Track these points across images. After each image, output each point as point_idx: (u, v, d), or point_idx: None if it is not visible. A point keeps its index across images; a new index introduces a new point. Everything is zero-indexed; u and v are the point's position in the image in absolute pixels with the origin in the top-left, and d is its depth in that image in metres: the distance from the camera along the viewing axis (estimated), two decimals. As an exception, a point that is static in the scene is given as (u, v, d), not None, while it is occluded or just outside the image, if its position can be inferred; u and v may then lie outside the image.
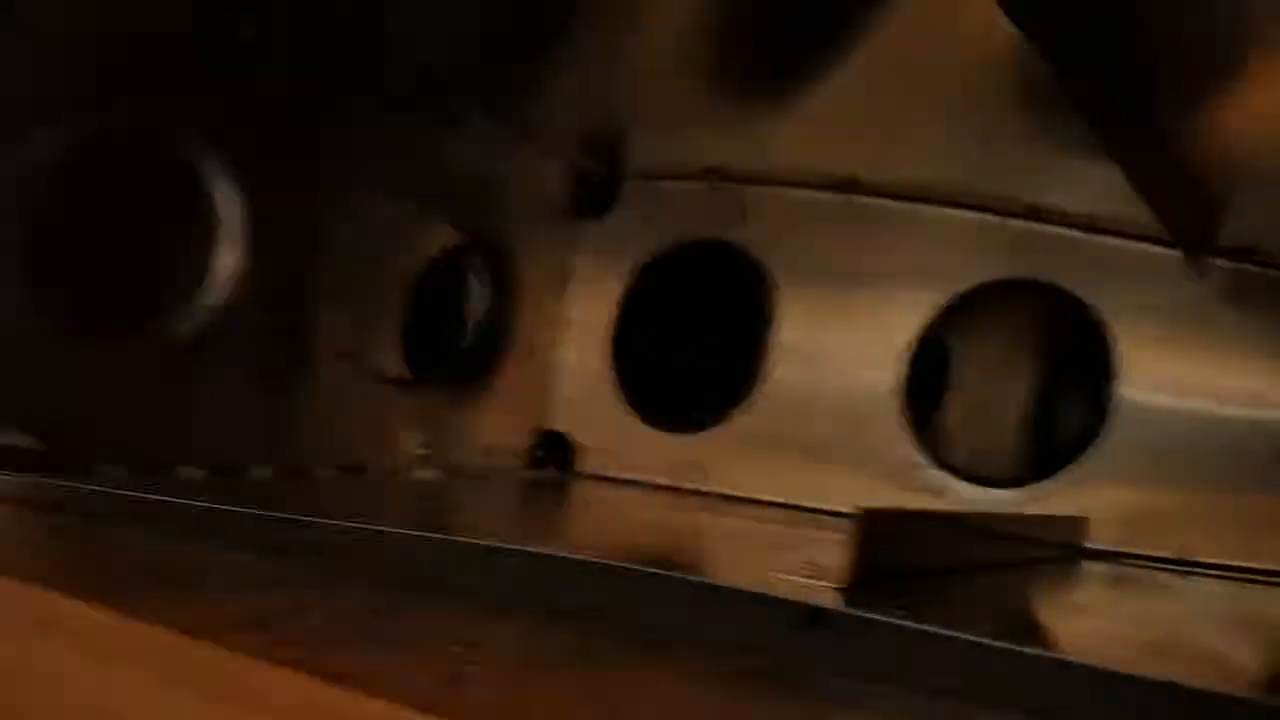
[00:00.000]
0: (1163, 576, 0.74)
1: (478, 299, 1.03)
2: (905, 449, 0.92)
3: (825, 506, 0.94)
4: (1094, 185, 0.82)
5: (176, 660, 0.34)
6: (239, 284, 0.80)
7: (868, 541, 0.42)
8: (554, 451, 1.11)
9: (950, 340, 1.24)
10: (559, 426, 1.12)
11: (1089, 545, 0.79)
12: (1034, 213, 0.88)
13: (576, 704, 0.34)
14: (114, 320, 0.75)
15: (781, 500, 0.97)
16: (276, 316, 0.86)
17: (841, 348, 0.97)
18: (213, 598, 0.43)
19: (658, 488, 1.05)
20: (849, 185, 0.98)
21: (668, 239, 1.09)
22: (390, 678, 0.32)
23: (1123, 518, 0.80)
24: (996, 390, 1.31)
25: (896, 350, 0.94)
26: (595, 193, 1.12)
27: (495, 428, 1.05)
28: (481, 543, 0.47)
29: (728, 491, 1.01)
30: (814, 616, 0.37)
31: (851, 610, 0.37)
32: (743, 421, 1.02)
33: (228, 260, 0.80)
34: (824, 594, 0.40)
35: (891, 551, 0.46)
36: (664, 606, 0.42)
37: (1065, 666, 0.34)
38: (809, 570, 0.44)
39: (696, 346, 1.24)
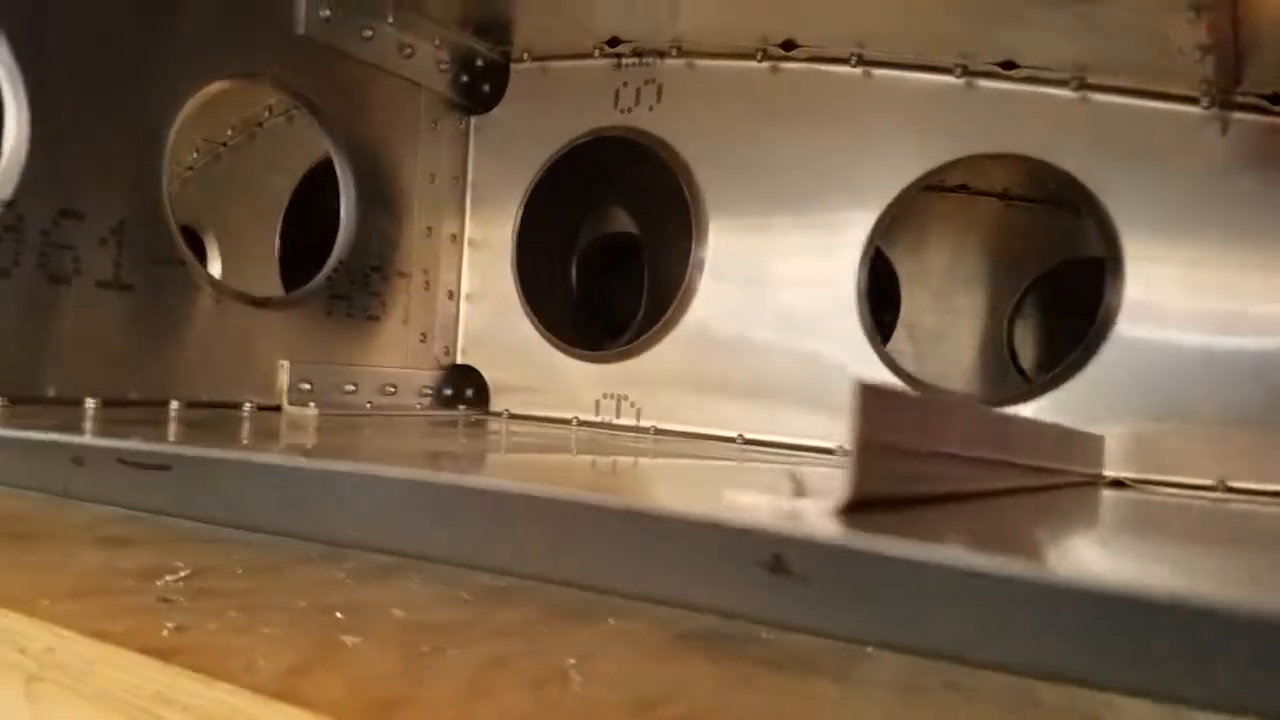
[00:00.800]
0: (1199, 504, 0.61)
1: (351, 210, 0.86)
2: (870, 370, 0.78)
3: (778, 439, 0.80)
4: (1081, 33, 0.67)
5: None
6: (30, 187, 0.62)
7: (871, 428, 0.26)
8: (463, 390, 0.95)
9: (896, 245, 1.10)
10: (466, 360, 0.96)
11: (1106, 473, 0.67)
12: (1011, 68, 0.72)
13: (479, 690, 0.22)
14: None
15: (726, 434, 0.82)
16: (110, 230, 0.68)
17: (783, 252, 0.82)
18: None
19: (581, 424, 0.90)
20: (781, 51, 0.81)
21: (570, 131, 0.92)
22: (249, 653, 0.24)
23: (1134, 440, 0.67)
24: (953, 304, 1.19)
25: (849, 253, 0.79)
26: (482, 81, 0.94)
27: (392, 360, 0.89)
28: (358, 469, 0.32)
29: (661, 425, 0.86)
30: (801, 556, 0.23)
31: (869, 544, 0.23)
32: (672, 345, 0.87)
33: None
34: (820, 521, 0.26)
35: (902, 460, 0.31)
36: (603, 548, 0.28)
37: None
38: (792, 488, 0.29)
39: (612, 259, 1.09)
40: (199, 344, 0.73)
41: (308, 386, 0.80)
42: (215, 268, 1.07)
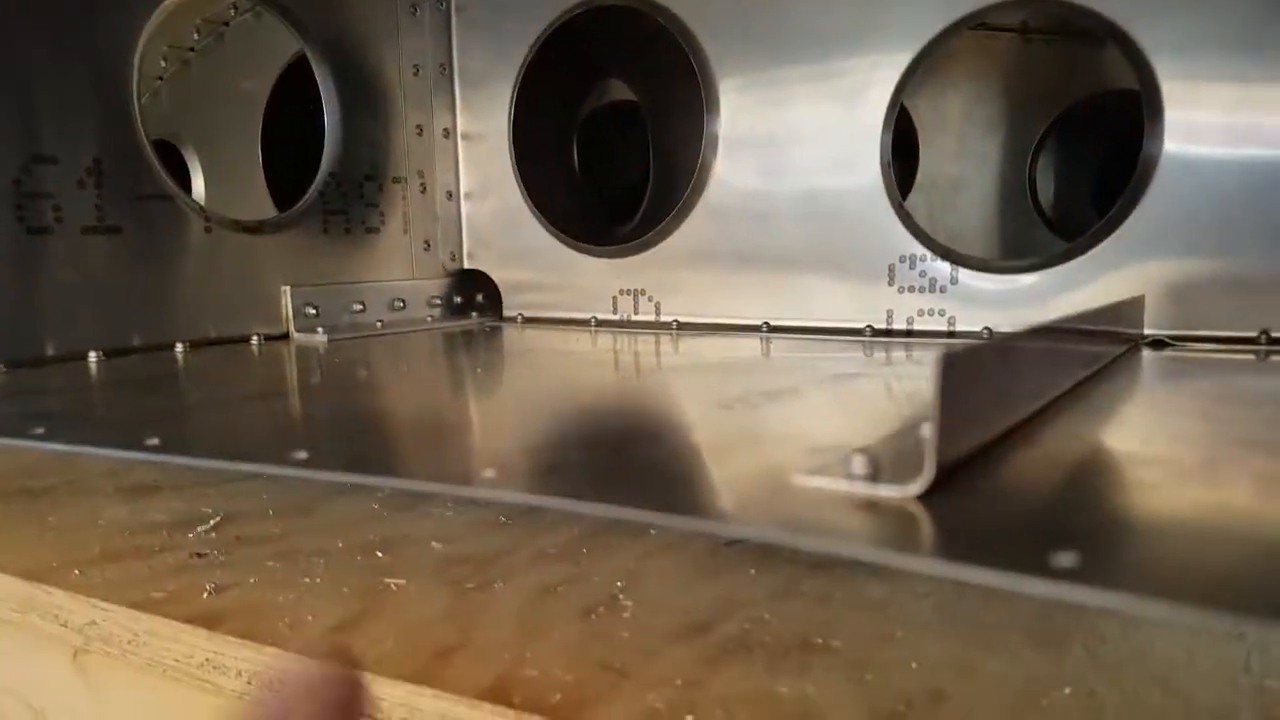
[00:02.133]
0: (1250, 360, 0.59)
1: (334, 116, 0.81)
2: (897, 239, 0.74)
3: (804, 323, 0.77)
4: None
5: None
6: None
7: (952, 403, 0.24)
8: (474, 296, 0.92)
9: (911, 90, 1.04)
10: (473, 264, 0.93)
11: (1148, 333, 0.64)
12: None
13: (529, 628, 0.21)
14: None
15: (751, 322, 0.79)
16: (86, 170, 0.63)
17: (800, 126, 0.77)
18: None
19: (600, 324, 0.87)
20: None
21: (560, 4, 0.85)
22: (294, 609, 0.23)
23: (1174, 296, 0.64)
24: (972, 148, 1.13)
25: (871, 118, 0.74)
26: (462, -41, 0.87)
27: (397, 273, 0.86)
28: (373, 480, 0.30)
29: (682, 319, 0.83)
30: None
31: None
32: (688, 232, 0.83)
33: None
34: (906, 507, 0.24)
35: (974, 418, 0.28)
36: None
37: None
38: (865, 465, 0.26)
39: (614, 132, 1.03)
40: (196, 279, 0.70)
41: (314, 311, 0.77)
42: (198, 182, 1.02)
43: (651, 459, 0.33)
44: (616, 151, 1.08)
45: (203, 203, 0.74)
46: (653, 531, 0.27)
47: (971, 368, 0.26)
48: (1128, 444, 0.35)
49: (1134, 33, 0.65)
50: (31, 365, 0.60)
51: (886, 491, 0.25)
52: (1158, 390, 0.51)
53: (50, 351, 0.62)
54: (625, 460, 0.32)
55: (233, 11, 0.97)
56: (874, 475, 0.25)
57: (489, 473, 0.29)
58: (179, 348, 0.67)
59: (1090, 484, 0.29)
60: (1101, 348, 0.54)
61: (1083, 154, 1.20)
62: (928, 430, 0.24)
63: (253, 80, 1.02)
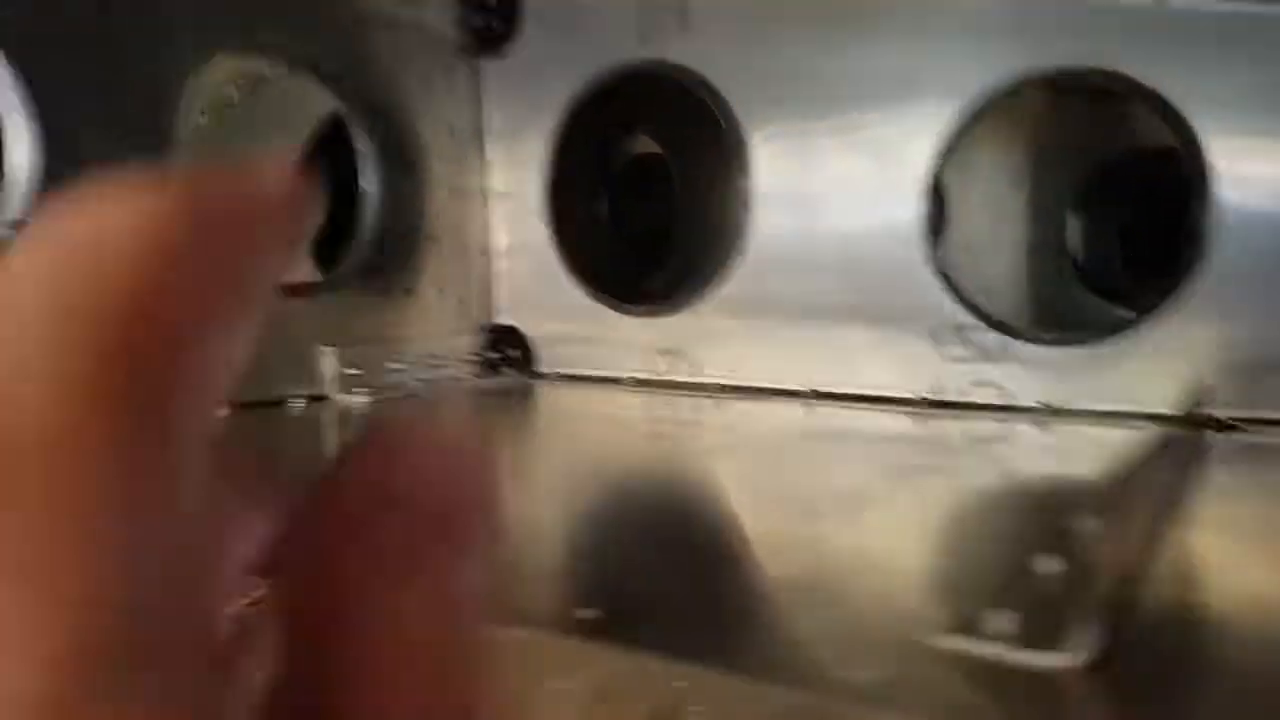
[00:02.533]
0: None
1: (371, 176, 0.80)
2: (940, 304, 0.73)
3: (851, 391, 0.76)
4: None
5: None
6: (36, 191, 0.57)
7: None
8: (507, 351, 0.91)
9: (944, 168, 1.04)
10: (507, 320, 0.92)
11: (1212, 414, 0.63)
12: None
13: None
14: None
15: (795, 388, 0.78)
16: None
17: (839, 185, 0.76)
18: None
19: (636, 384, 0.86)
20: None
21: (592, 67, 0.85)
22: None
23: (1244, 371, 0.63)
24: (1003, 206, 1.12)
25: (911, 179, 0.73)
26: (493, 21, 0.87)
27: (432, 331, 0.85)
28: None
29: (721, 379, 0.82)
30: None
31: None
32: (727, 291, 0.82)
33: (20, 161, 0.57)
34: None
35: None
36: None
37: None
38: (1009, 622, 0.24)
39: (653, 203, 1.02)
40: None
41: (355, 372, 0.76)
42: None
43: (748, 598, 0.31)
44: (642, 204, 1.08)
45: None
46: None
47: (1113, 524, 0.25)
48: None
49: (1170, 94, 0.64)
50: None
51: (1046, 660, 0.23)
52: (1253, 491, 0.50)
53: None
54: (719, 598, 0.31)
55: (268, 69, 0.97)
56: (1023, 637, 0.23)
57: (585, 612, 0.28)
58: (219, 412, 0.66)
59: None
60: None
61: (1117, 211, 1.19)
62: (1054, 566, 0.23)
63: (287, 138, 1.01)
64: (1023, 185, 1.11)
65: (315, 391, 0.75)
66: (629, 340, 0.86)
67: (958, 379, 0.73)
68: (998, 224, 1.11)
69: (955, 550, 0.40)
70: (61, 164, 0.58)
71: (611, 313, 0.87)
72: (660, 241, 1.07)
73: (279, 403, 0.72)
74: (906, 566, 0.34)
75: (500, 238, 0.92)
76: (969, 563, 0.35)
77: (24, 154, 0.57)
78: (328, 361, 0.75)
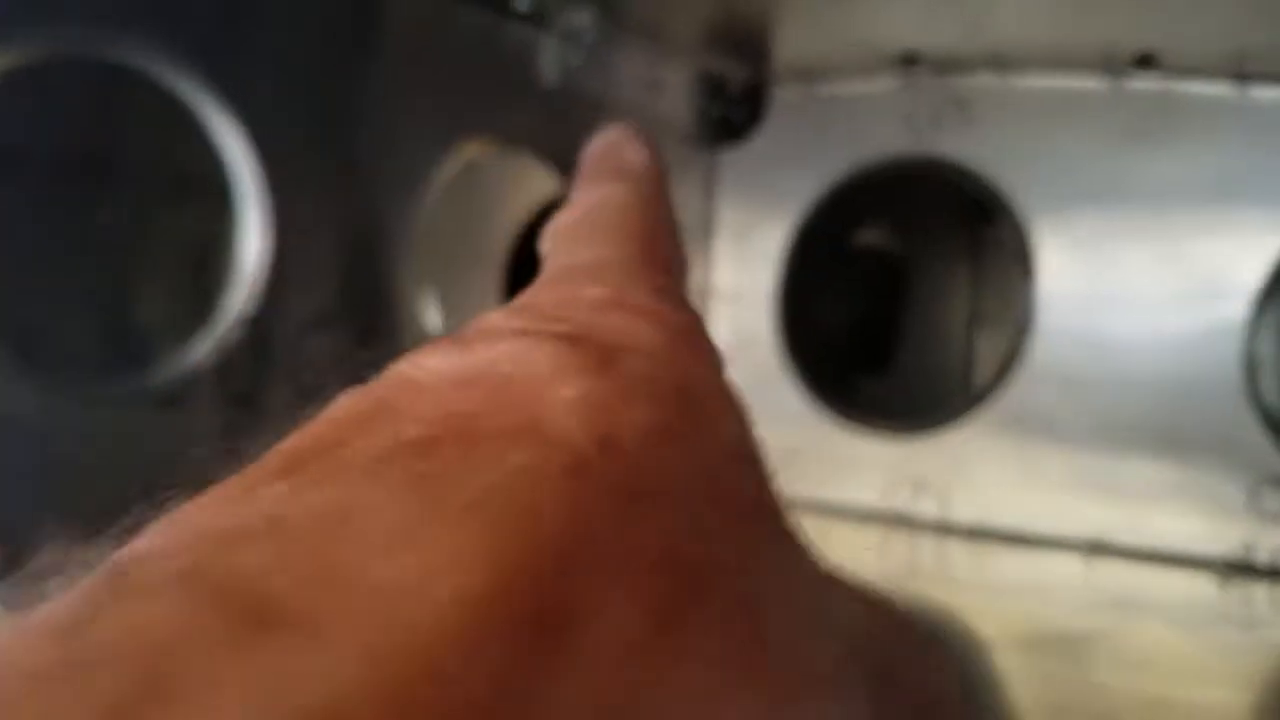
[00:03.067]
0: None
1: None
2: (1263, 456, 0.61)
3: (1139, 545, 0.64)
4: None
5: None
6: (276, 296, 0.54)
7: None
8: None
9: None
10: (718, 430, 0.84)
11: None
12: None
13: None
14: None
15: (1068, 536, 0.67)
16: (357, 334, 0.59)
17: (1138, 306, 0.66)
18: None
19: (866, 516, 0.76)
20: (1134, 67, 0.64)
21: (847, 161, 0.77)
22: None
23: None
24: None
25: (1229, 310, 0.62)
26: (736, 107, 0.81)
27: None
28: None
29: (975, 521, 0.72)
30: None
31: None
32: (989, 413, 0.71)
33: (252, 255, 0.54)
34: None
35: None
36: None
37: None
38: None
39: (908, 312, 0.93)
40: None
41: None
42: (435, 323, 0.99)
43: None
44: (862, 298, 0.99)
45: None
46: None
47: None
48: None
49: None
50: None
51: None
52: None
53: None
54: None
55: (480, 153, 0.95)
56: None
57: None
58: None
59: None
60: None
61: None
62: None
63: (498, 220, 0.99)
64: None
65: None
66: (863, 462, 0.77)
67: (1271, 542, 0.60)
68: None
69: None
70: (291, 259, 0.55)
71: (843, 429, 0.78)
72: (881, 347, 0.98)
73: None
74: None
75: (719, 336, 0.85)
76: None
77: (256, 246, 0.54)
78: None
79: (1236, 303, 0.62)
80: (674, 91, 0.78)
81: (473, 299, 1.00)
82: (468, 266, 1.01)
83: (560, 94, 0.68)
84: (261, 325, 0.55)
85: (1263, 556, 0.61)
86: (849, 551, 0.70)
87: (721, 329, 0.85)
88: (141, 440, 0.52)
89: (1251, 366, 0.62)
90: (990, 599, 0.54)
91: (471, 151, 0.73)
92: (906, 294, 0.94)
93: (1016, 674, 0.45)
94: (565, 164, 0.72)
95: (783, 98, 0.81)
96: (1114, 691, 0.44)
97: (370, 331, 0.59)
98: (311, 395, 0.57)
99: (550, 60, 0.65)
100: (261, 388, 0.55)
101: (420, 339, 0.63)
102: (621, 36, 0.71)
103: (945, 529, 0.72)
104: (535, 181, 0.81)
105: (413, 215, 0.60)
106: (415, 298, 0.62)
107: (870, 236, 1.01)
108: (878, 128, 0.75)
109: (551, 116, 0.68)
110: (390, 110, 0.60)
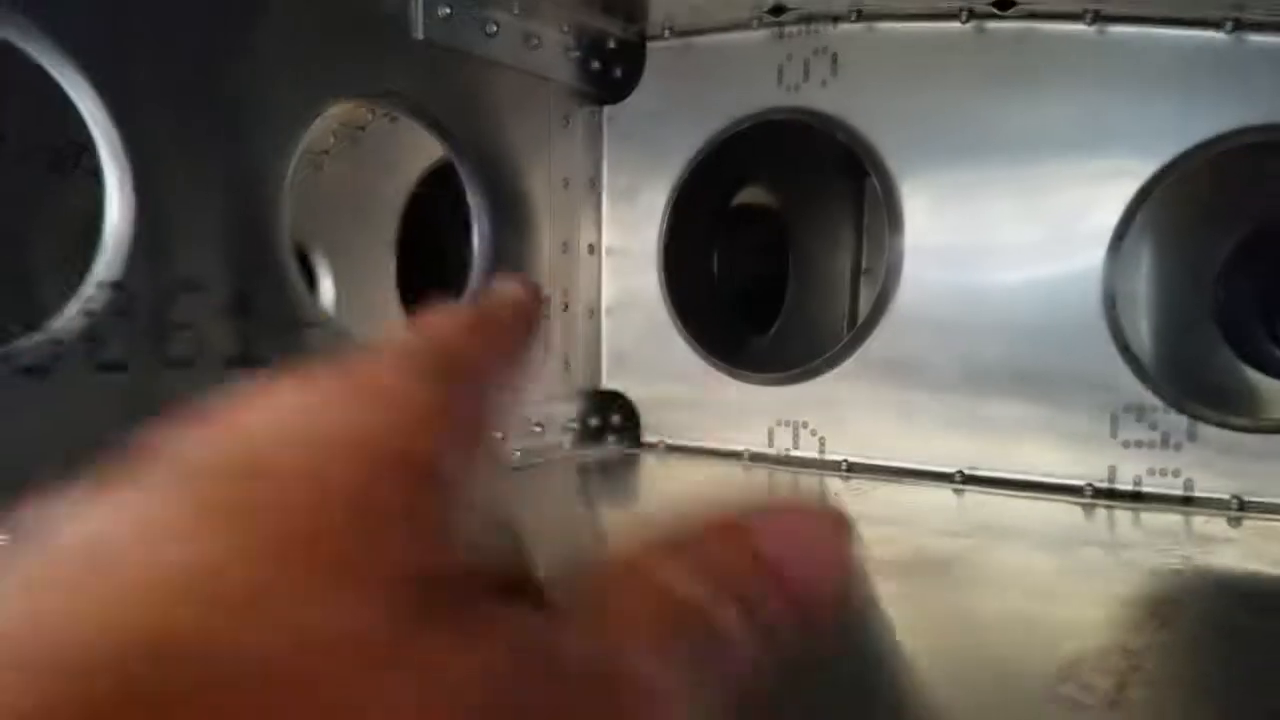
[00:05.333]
0: None
1: (481, 229, 0.75)
2: (1122, 385, 0.65)
3: (1013, 474, 0.68)
4: None
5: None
6: (139, 262, 0.52)
7: None
8: (610, 419, 0.85)
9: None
10: (613, 385, 0.85)
11: None
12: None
13: None
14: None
15: (939, 469, 0.70)
16: (231, 297, 0.58)
17: (1003, 249, 0.69)
18: None
19: (753, 457, 0.78)
20: (993, 9, 0.67)
21: (723, 116, 0.79)
22: None
23: None
24: (1159, 267, 1.03)
25: (1090, 249, 0.66)
26: (615, 65, 0.82)
27: (537, 396, 0.79)
28: None
29: (853, 458, 0.75)
30: None
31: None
32: (864, 358, 0.74)
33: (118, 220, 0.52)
34: None
35: None
36: None
37: None
38: None
39: (796, 266, 0.96)
40: None
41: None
42: (326, 289, 0.97)
43: None
44: (749, 255, 1.02)
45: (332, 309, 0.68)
46: None
47: None
48: None
49: None
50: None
51: None
52: None
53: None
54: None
55: (370, 115, 0.94)
56: None
57: None
58: None
59: None
60: None
61: (1263, 274, 1.09)
62: None
63: (389, 183, 0.98)
64: (1171, 249, 1.02)
65: None
66: (748, 408, 0.79)
67: (1134, 468, 0.64)
68: (1145, 289, 1.02)
69: None
70: (159, 223, 0.54)
71: (729, 378, 0.81)
72: (767, 300, 1.00)
73: None
74: None
75: (610, 295, 0.86)
76: None
77: (121, 213, 0.53)
78: None
79: (1095, 243, 0.66)
80: (552, 47, 0.78)
81: (366, 259, 0.99)
82: (359, 228, 1.00)
83: (434, 49, 0.67)
84: (127, 291, 0.54)
85: (1125, 481, 0.65)
86: (735, 492, 0.72)
87: (611, 285, 0.86)
88: (10, 410, 0.51)
89: (1111, 303, 0.66)
90: (865, 529, 0.57)
91: (346, 109, 0.72)
92: (794, 249, 0.97)
93: (892, 597, 0.48)
94: (443, 119, 0.71)
95: (660, 54, 0.82)
96: (982, 610, 0.46)
97: (245, 296, 0.58)
98: (183, 363, 0.56)
99: (421, 14, 0.64)
100: (131, 355, 0.53)
101: (304, 301, 0.62)
102: (495, -3, 0.71)
103: (825, 466, 0.75)
104: (424, 145, 0.80)
105: (285, 176, 0.59)
106: (293, 260, 0.61)
107: (755, 194, 1.03)
108: (752, 81, 0.77)
109: (426, 72, 0.67)
110: (259, 73, 0.58)
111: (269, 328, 0.59)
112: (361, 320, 0.84)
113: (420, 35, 0.66)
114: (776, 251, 0.98)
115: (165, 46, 0.53)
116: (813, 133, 0.75)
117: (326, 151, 0.98)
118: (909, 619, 0.46)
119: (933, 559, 0.52)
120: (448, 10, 0.66)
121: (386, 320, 0.88)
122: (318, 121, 0.61)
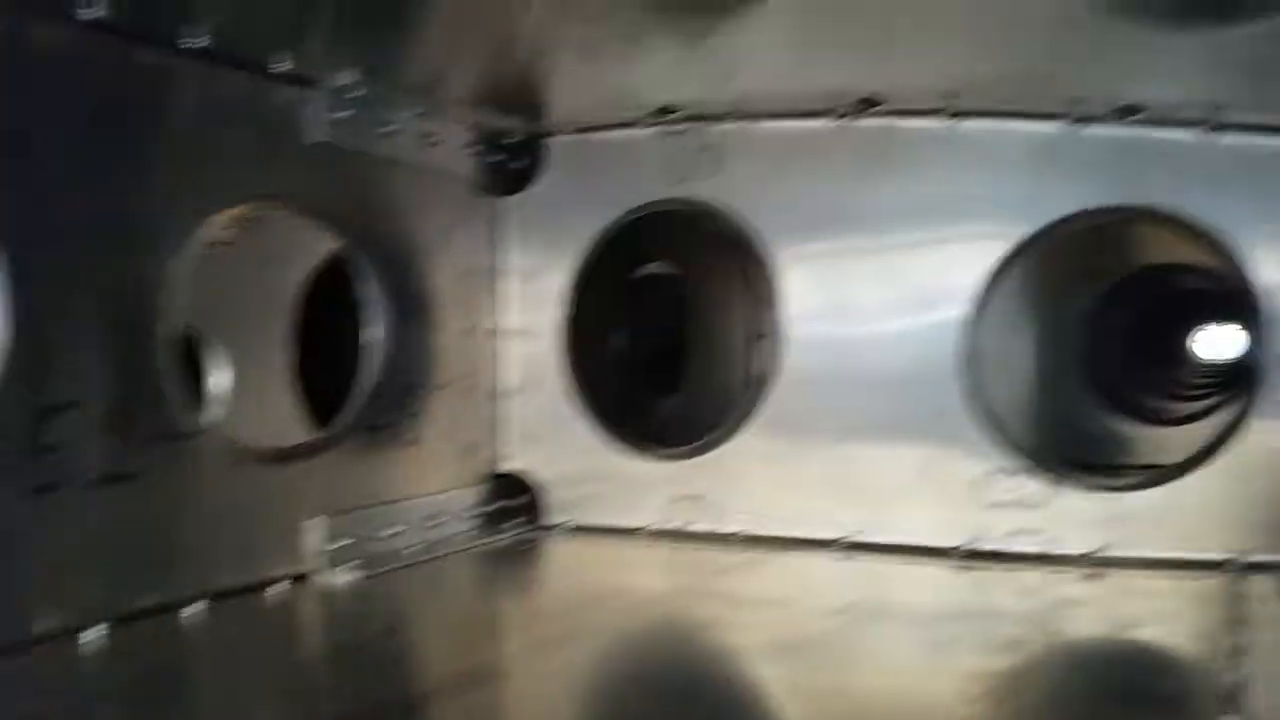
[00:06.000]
0: None
1: (377, 321, 0.76)
2: (985, 450, 0.69)
3: (892, 539, 0.71)
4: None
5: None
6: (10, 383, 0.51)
7: None
8: (512, 501, 0.86)
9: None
10: (514, 466, 0.87)
11: None
12: (1130, 111, 0.64)
13: None
14: None
15: (825, 536, 0.73)
16: (105, 413, 0.57)
17: (873, 326, 0.74)
18: None
19: (654, 534, 0.81)
20: (859, 107, 0.72)
21: (618, 206, 0.83)
22: None
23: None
24: (1018, 324, 1.08)
25: (950, 323, 0.71)
26: (515, 159, 0.85)
27: (435, 485, 0.80)
28: None
29: (747, 530, 0.77)
30: None
31: None
32: (751, 436, 0.78)
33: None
34: None
35: None
36: None
37: None
38: None
39: (695, 337, 0.99)
40: (217, 522, 0.62)
41: (348, 541, 0.69)
42: (221, 380, 0.95)
43: None
44: (654, 331, 1.05)
45: (224, 400, 0.68)
46: None
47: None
48: None
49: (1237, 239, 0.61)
50: (11, 651, 0.50)
51: None
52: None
53: (40, 628, 0.52)
54: None
55: (266, 210, 0.94)
56: None
57: None
58: (184, 612, 0.58)
59: None
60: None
61: (1123, 325, 1.16)
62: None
63: (287, 276, 0.97)
64: (1035, 306, 1.08)
65: (301, 569, 0.67)
66: (648, 483, 0.82)
67: (1000, 527, 0.68)
68: (1012, 344, 1.07)
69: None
70: (35, 345, 0.52)
71: (627, 456, 0.83)
72: (672, 372, 1.03)
73: (267, 584, 0.65)
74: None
75: (512, 377, 0.89)
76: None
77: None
78: (312, 536, 0.68)
79: (953, 311, 0.71)
80: (451, 145, 0.81)
81: (262, 348, 0.99)
82: (256, 318, 1.00)
83: (330, 151, 0.70)
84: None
85: (992, 541, 0.69)
86: (640, 573, 0.75)
87: (512, 369, 0.88)
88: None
89: (971, 368, 0.70)
90: (756, 613, 0.59)
91: (240, 213, 0.73)
92: (692, 318, 1.00)
93: (768, 681, 0.49)
94: (339, 216, 0.74)
95: (558, 148, 0.86)
96: (851, 689, 0.47)
97: (121, 410, 0.57)
98: (49, 489, 0.55)
99: (315, 119, 0.67)
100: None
101: (183, 412, 0.61)
102: (393, 96, 0.73)
103: (721, 540, 0.77)
104: (315, 241, 0.81)
105: (167, 285, 0.59)
106: (173, 370, 0.61)
107: (654, 269, 1.07)
108: (643, 173, 0.81)
109: (321, 174, 0.70)
110: (143, 182, 0.59)
111: (144, 441, 0.58)
112: (255, 408, 0.84)
113: (314, 139, 0.68)
114: (676, 321, 1.02)
115: (45, 159, 0.53)
116: (698, 219, 0.79)
117: (226, 242, 0.98)
118: (784, 701, 0.47)
119: (808, 640, 0.54)
120: (342, 114, 0.69)
121: (281, 409, 0.88)
122: (209, 228, 0.62)
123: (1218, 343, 1.08)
